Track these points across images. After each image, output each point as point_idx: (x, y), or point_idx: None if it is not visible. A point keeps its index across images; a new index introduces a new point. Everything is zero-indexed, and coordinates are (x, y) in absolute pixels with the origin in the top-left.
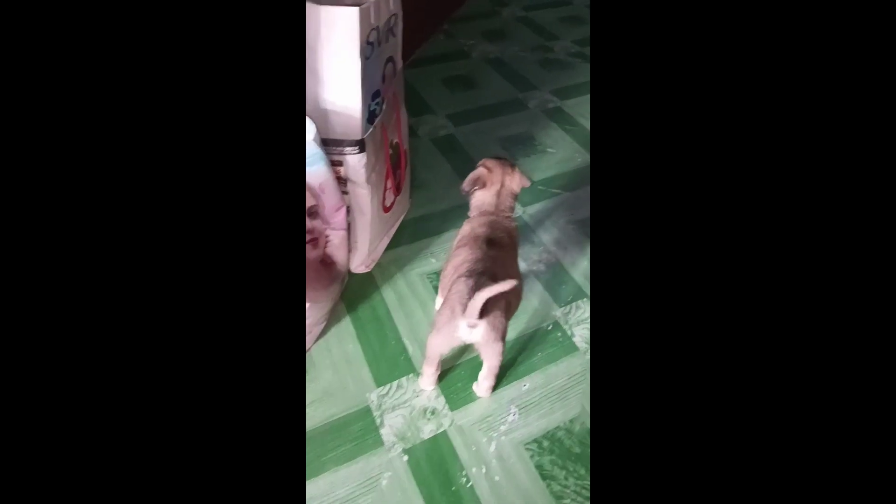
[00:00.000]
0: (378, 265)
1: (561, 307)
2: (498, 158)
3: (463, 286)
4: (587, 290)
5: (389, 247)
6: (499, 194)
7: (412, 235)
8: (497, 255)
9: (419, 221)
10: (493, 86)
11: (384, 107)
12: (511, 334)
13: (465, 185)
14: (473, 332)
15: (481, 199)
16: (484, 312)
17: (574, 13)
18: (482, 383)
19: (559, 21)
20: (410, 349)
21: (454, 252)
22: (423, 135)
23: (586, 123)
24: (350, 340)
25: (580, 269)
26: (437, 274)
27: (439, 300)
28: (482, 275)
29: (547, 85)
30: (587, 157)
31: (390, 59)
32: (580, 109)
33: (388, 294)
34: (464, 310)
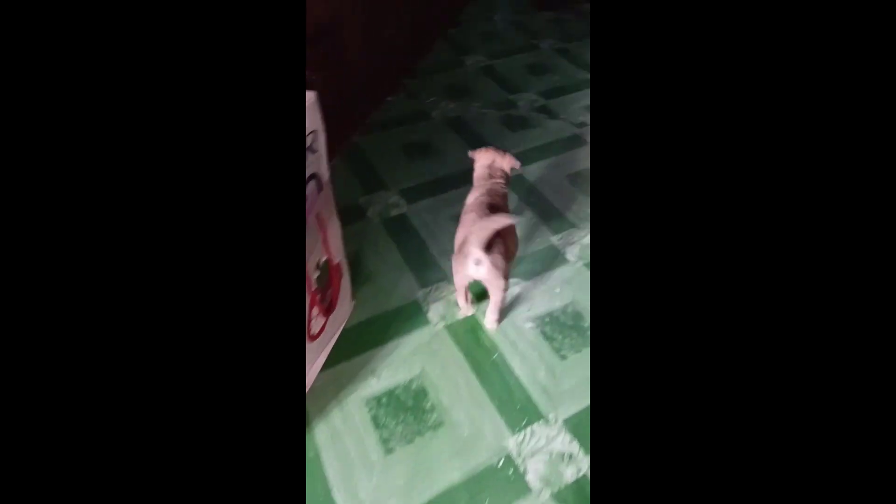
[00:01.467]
0: (311, 390)
1: (514, 434)
2: (492, 148)
3: (471, 238)
4: (543, 409)
5: (326, 365)
6: (490, 167)
7: (353, 347)
8: (489, 217)
9: (363, 327)
10: (453, 152)
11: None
12: (455, 474)
13: (470, 153)
14: (479, 268)
15: (478, 172)
16: (486, 249)
17: (540, 59)
18: (489, 316)
19: (525, 69)
20: None
21: (463, 218)
22: (372, 215)
23: (549, 195)
24: None
25: (536, 381)
26: (378, 399)
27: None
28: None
29: (509, 148)
30: (549, 236)
31: (313, 177)
32: (542, 176)
33: (320, 430)
34: (471, 253)
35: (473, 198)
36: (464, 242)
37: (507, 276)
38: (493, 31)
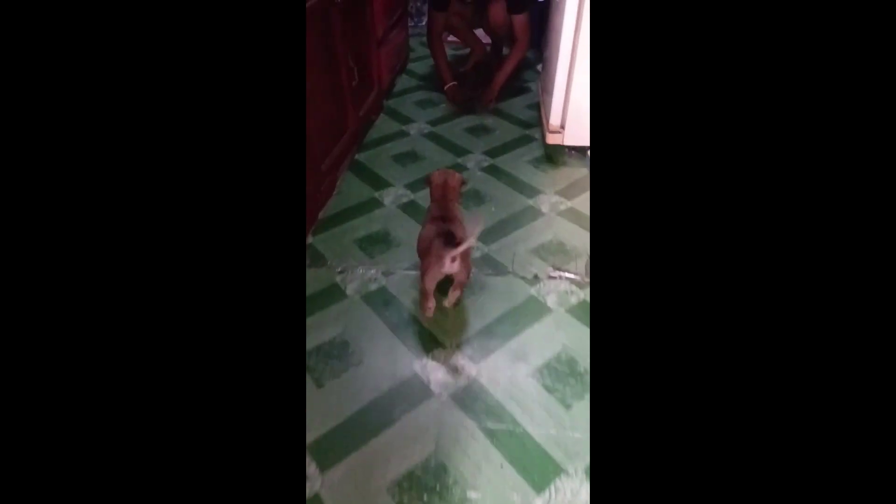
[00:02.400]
0: None
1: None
2: (444, 170)
3: (438, 242)
4: None
5: None
6: (444, 187)
7: None
8: (449, 225)
9: None
10: (379, 354)
11: None
12: None
13: (427, 176)
14: (454, 265)
15: (434, 191)
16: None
17: (469, 185)
18: (451, 296)
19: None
20: None
21: (423, 227)
22: None
23: (510, 407)
24: None
25: None
26: None
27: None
28: (446, 234)
29: (455, 328)
30: (530, 497)
31: None
32: (496, 377)
33: None
34: (445, 254)
35: (428, 212)
36: (433, 251)
37: (469, 267)
38: (410, 151)
